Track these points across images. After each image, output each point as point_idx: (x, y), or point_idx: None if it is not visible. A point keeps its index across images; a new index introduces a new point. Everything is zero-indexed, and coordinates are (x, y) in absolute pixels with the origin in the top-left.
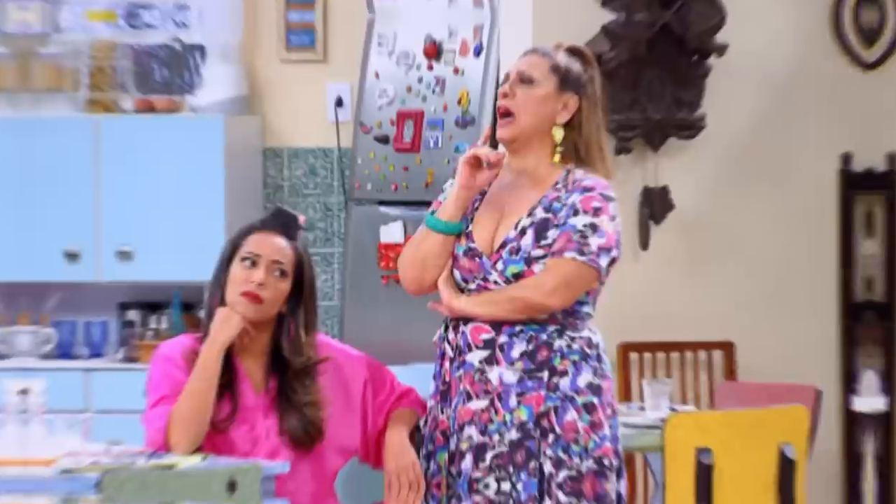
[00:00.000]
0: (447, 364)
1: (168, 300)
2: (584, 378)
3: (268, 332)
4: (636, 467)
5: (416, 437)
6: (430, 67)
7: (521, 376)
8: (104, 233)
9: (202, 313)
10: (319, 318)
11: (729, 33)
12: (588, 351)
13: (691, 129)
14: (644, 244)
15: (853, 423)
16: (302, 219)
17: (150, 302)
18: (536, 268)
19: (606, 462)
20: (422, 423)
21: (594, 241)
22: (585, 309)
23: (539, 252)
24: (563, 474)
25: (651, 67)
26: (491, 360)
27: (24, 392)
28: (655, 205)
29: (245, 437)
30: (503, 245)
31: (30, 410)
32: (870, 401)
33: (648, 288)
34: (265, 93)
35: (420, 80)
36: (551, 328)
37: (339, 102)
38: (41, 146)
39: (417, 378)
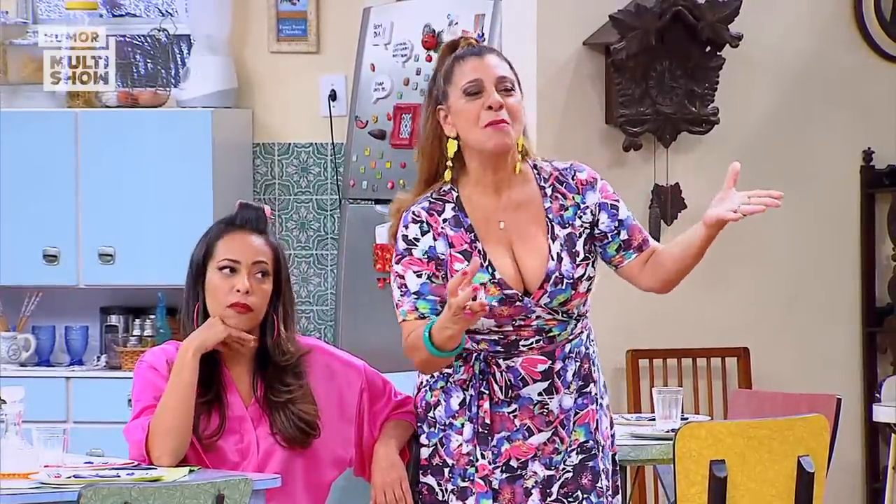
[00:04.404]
0: (486, 404)
1: (152, 304)
2: (603, 378)
3: (255, 335)
4: (647, 480)
5: (410, 448)
6: (429, 59)
7: (575, 397)
8: (85, 233)
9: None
10: (299, 321)
11: (744, 23)
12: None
13: (704, 123)
14: None
15: (875, 433)
16: (268, 210)
17: (134, 306)
18: (581, 287)
19: (616, 460)
20: (442, 450)
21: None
22: None
23: (581, 271)
24: (605, 483)
25: (662, 59)
26: (550, 390)
27: (0, 401)
28: (666, 204)
29: (234, 448)
30: (546, 279)
31: (6, 421)
32: (892, 410)
33: None
34: (255, 86)
35: (418, 72)
36: (584, 335)
37: (333, 96)
38: (18, 141)
39: (414, 385)
